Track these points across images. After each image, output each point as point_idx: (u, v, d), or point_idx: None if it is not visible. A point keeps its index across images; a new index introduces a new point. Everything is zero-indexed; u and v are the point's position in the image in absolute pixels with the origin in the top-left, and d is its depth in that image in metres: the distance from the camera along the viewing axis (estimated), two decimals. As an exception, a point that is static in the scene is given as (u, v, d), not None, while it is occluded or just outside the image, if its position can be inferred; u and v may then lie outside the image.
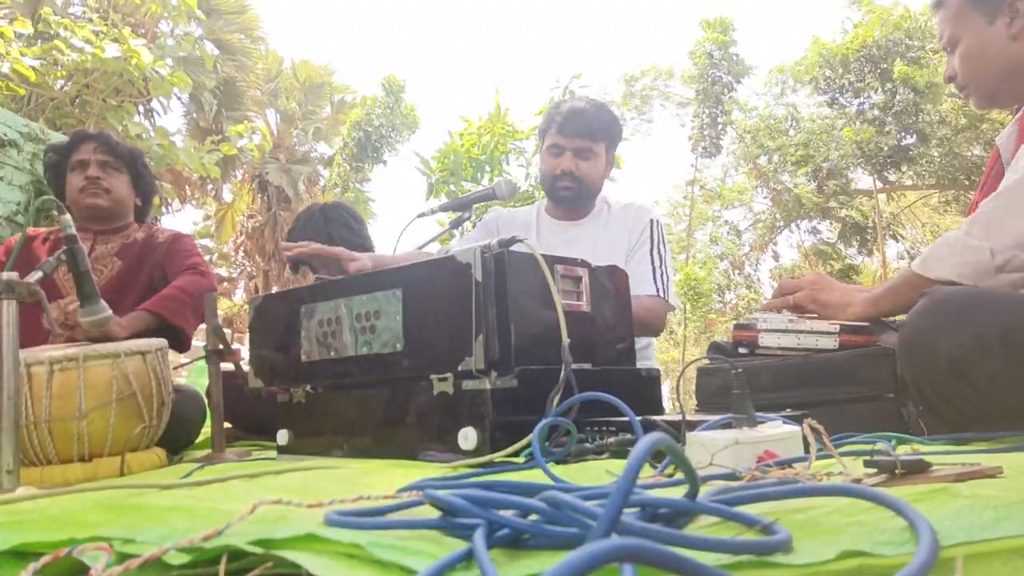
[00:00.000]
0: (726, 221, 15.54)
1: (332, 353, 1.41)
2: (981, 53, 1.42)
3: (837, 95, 12.88)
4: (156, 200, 2.46)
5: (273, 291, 1.61)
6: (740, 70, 13.77)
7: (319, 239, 2.29)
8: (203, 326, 2.13)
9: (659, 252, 2.19)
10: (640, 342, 1.94)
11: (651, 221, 2.23)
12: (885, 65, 12.02)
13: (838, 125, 13.08)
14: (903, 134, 12.17)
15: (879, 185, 13.28)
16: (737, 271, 15.09)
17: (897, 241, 14.61)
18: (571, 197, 2.20)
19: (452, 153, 7.90)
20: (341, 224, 2.33)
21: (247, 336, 1.64)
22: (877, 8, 12.62)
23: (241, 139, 6.82)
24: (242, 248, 14.86)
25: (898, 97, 11.83)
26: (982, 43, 1.42)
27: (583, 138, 2.16)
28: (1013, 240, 1.23)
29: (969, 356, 1.10)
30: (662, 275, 2.15)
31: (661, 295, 2.13)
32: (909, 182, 13.59)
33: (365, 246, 2.36)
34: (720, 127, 13.90)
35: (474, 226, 2.48)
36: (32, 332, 1.82)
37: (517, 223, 2.27)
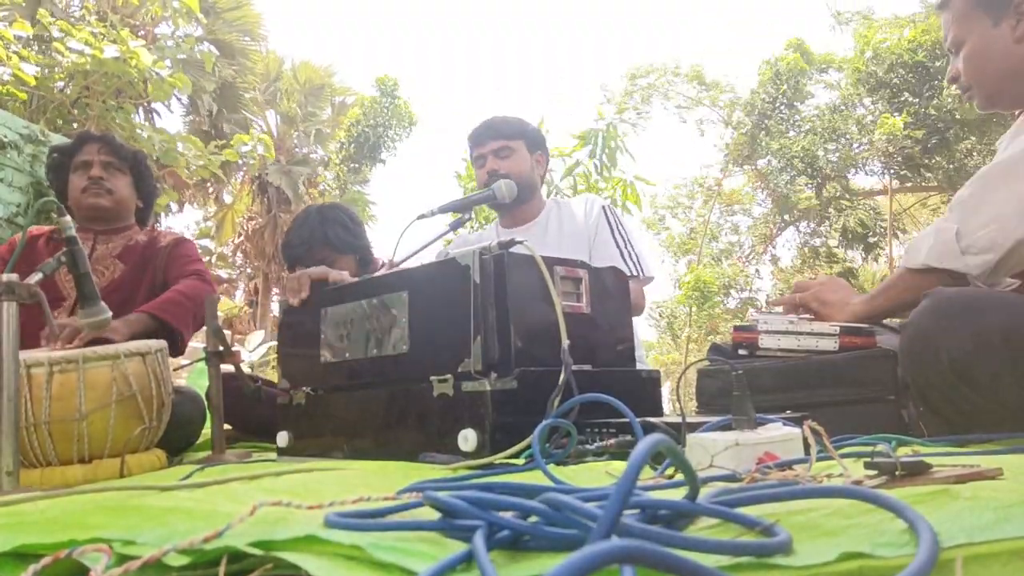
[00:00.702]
0: (727, 221, 15.53)
1: (347, 355, 1.43)
2: (985, 54, 1.43)
3: (873, 89, 12.75)
4: (162, 201, 2.45)
5: (273, 293, 1.62)
6: (798, 97, 13.55)
7: (315, 240, 2.28)
8: (204, 327, 2.13)
9: (620, 233, 2.26)
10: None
11: (603, 208, 2.31)
12: (925, 71, 11.92)
13: (841, 126, 13.04)
14: (930, 139, 12.10)
15: (895, 186, 13.23)
16: (739, 271, 15.06)
17: (898, 239, 14.59)
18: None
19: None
20: (338, 224, 2.32)
21: (247, 338, 1.65)
22: (902, 20, 12.53)
23: (245, 145, 6.80)
24: (240, 249, 14.84)
25: (940, 101, 11.71)
26: (986, 44, 1.42)
27: (496, 139, 2.31)
28: (980, 222, 1.25)
29: (970, 356, 1.10)
30: (629, 254, 2.22)
31: (634, 273, 2.19)
32: (909, 184, 13.58)
33: (362, 247, 2.36)
34: (758, 143, 13.72)
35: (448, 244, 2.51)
36: (33, 333, 1.82)
37: (481, 242, 2.31)
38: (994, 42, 1.41)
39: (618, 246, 2.22)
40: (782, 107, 13.57)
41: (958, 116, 11.72)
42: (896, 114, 12.13)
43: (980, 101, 1.50)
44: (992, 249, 1.24)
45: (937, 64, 11.76)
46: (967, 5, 1.45)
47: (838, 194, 13.16)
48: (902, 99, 12.34)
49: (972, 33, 1.44)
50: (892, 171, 12.79)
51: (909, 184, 13.53)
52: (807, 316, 1.52)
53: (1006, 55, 1.40)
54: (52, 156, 2.25)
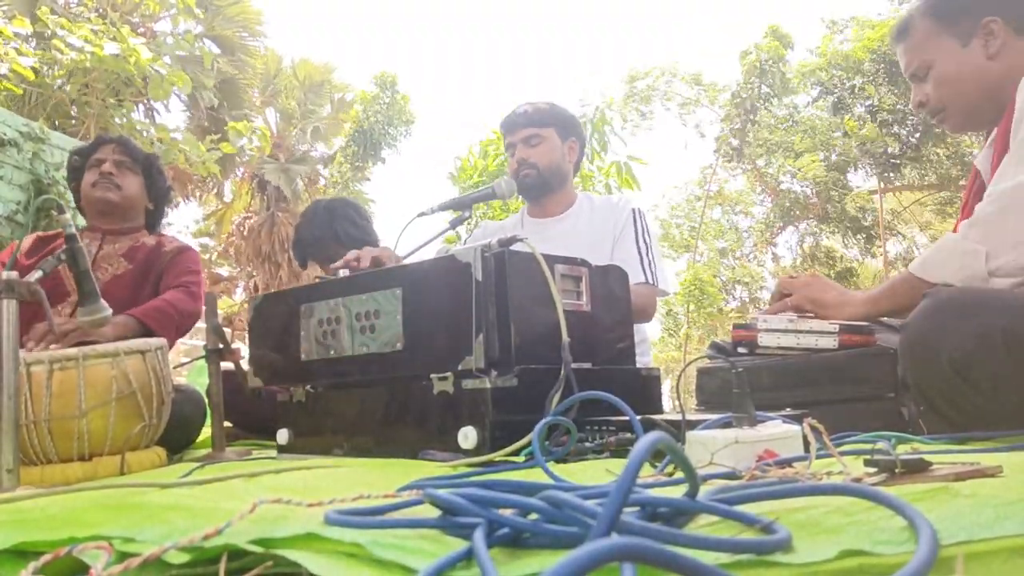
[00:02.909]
0: (728, 221, 15.50)
1: (332, 352, 1.41)
2: (959, 76, 1.45)
3: (845, 96, 12.76)
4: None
5: (271, 291, 1.61)
6: (783, 88, 13.47)
7: (325, 237, 2.29)
8: (202, 325, 2.13)
9: (644, 240, 2.23)
10: (635, 337, 1.97)
11: (633, 210, 2.27)
12: (896, 68, 11.93)
13: (840, 124, 13.03)
14: (911, 134, 12.09)
15: (881, 186, 13.22)
16: (740, 271, 15.04)
17: (896, 237, 14.55)
18: (533, 184, 2.26)
19: (477, 164, 7.88)
20: (347, 221, 2.33)
21: (247, 335, 1.64)
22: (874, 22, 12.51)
23: (242, 138, 6.80)
24: (238, 248, 14.79)
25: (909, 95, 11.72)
26: (959, 66, 1.44)
27: (527, 127, 2.27)
28: (1008, 243, 1.24)
29: (971, 356, 1.10)
30: (649, 262, 2.19)
31: (650, 282, 2.17)
32: (910, 182, 13.55)
33: (371, 242, 2.36)
34: (748, 136, 13.66)
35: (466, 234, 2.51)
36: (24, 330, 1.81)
37: (503, 231, 2.30)
38: (966, 63, 1.43)
39: (639, 251, 2.19)
40: (768, 97, 13.52)
41: None
42: (869, 117, 12.13)
43: (953, 123, 1.52)
44: (1020, 272, 1.24)
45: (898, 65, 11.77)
46: (930, 31, 1.47)
47: (835, 193, 13.14)
48: (873, 102, 12.33)
49: (940, 56, 1.46)
50: (877, 172, 12.79)
51: (902, 183, 13.49)
52: (807, 315, 1.52)
53: (981, 74, 1.42)
54: (72, 159, 2.31)
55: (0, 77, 4.78)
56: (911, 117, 11.96)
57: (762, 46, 13.38)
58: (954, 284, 1.28)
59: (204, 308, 1.71)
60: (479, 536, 0.50)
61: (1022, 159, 1.26)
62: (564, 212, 2.32)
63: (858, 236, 13.55)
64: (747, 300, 14.44)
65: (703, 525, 0.58)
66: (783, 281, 1.63)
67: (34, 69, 4.91)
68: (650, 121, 14.47)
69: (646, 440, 0.47)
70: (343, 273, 1.51)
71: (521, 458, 1.11)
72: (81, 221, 2.33)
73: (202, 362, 1.70)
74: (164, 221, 2.38)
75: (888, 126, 12.13)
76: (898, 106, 12.01)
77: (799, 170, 12.80)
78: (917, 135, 12.11)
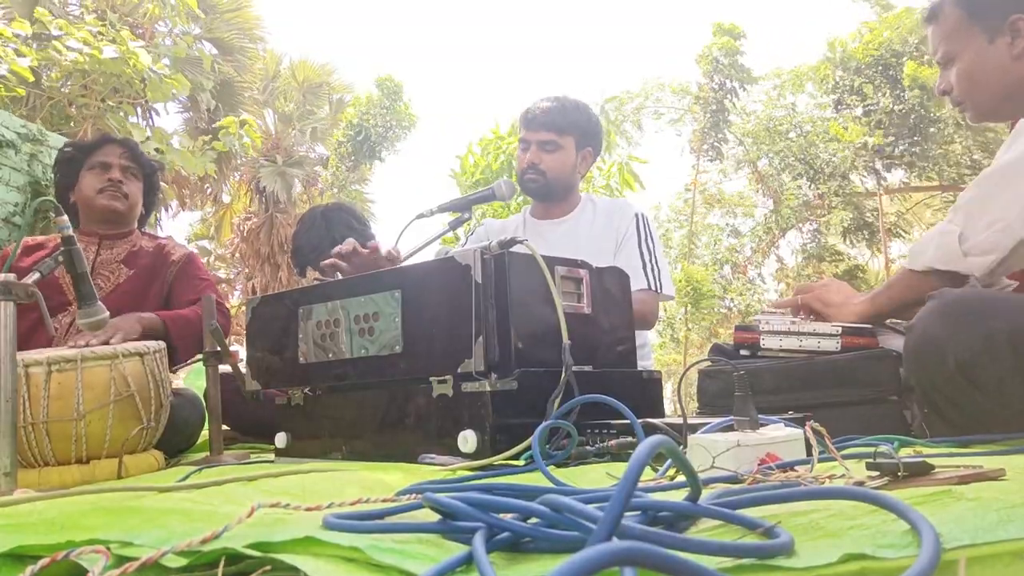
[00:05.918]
0: (728, 224, 15.52)
1: (330, 355, 1.41)
2: (981, 72, 1.42)
3: (844, 95, 12.83)
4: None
5: (269, 293, 1.61)
6: (744, 77, 13.69)
7: (323, 245, 2.29)
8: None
9: (647, 245, 2.21)
10: (636, 341, 1.97)
11: (636, 215, 2.26)
12: (894, 71, 12.01)
13: (837, 131, 13.08)
14: (909, 136, 12.16)
15: (881, 187, 13.26)
16: (740, 274, 15.03)
17: (901, 239, 14.55)
18: (537, 189, 2.24)
19: (479, 161, 7.92)
20: (344, 226, 2.33)
21: (245, 338, 1.64)
22: (888, 18, 12.55)
23: (231, 135, 6.74)
24: (237, 250, 14.76)
25: (906, 96, 11.79)
26: (982, 62, 1.42)
27: (547, 131, 2.21)
28: (983, 224, 1.25)
29: (977, 359, 1.10)
30: (652, 268, 2.18)
31: (652, 288, 2.16)
32: (913, 183, 13.58)
33: None
34: (721, 132, 13.84)
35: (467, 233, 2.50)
36: (31, 334, 1.81)
37: (506, 230, 2.30)
38: (990, 60, 1.41)
39: (642, 257, 2.18)
40: (734, 91, 13.67)
41: (933, 114, 11.83)
42: (865, 117, 12.21)
43: (974, 116, 1.50)
44: (995, 250, 1.25)
45: (902, 60, 11.89)
46: (959, 20, 1.44)
47: (836, 193, 13.17)
48: (871, 103, 12.39)
49: (966, 50, 1.44)
50: (878, 173, 12.88)
51: (902, 185, 13.56)
52: (809, 316, 1.52)
53: (1003, 73, 1.40)
54: (65, 151, 2.22)
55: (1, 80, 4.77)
56: (908, 117, 11.99)
57: (712, 44, 13.57)
58: (935, 267, 1.30)
59: (203, 308, 1.70)
60: (479, 540, 0.50)
61: (1011, 145, 1.27)
62: (567, 215, 2.31)
63: (861, 234, 13.59)
64: (749, 303, 14.43)
65: (705, 529, 0.58)
66: (800, 284, 1.65)
67: (32, 70, 4.90)
68: (638, 143, 14.62)
69: (647, 444, 0.46)
70: (341, 275, 1.51)
71: (521, 462, 1.11)
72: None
73: (200, 365, 1.69)
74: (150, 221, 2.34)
75: (884, 127, 12.20)
76: (894, 108, 12.07)
77: (798, 187, 12.93)
78: (916, 137, 12.17)
